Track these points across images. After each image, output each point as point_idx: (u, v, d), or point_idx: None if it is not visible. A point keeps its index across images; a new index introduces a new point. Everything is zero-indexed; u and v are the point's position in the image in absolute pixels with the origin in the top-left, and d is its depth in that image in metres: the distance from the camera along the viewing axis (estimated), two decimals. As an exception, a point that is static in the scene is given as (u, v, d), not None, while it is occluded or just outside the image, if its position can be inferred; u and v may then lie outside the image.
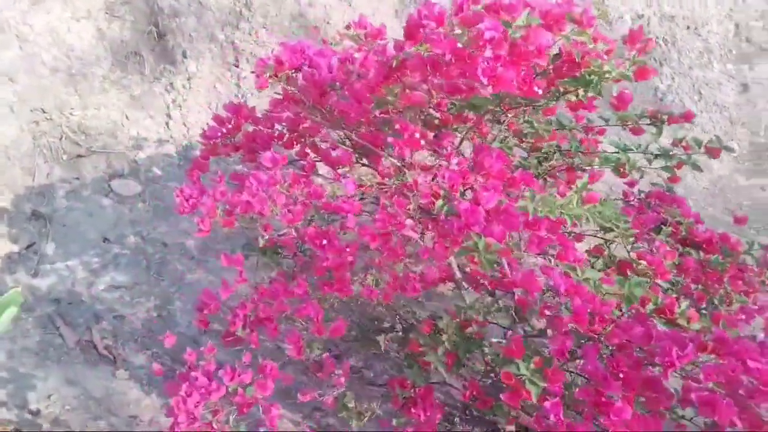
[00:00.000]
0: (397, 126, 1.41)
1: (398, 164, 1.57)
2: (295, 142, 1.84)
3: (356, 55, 1.55)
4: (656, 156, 1.73)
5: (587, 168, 1.81)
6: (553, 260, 1.37)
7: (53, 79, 3.07)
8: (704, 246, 1.66)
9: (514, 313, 1.41)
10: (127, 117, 3.14)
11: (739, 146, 3.61)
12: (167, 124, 3.18)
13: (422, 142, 1.40)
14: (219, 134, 1.80)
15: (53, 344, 2.40)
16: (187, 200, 1.63)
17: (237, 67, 3.33)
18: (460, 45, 1.11)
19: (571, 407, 1.23)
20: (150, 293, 2.66)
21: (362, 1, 3.58)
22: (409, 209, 1.31)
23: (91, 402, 2.20)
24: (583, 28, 1.33)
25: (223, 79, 3.31)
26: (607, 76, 1.35)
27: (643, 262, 1.44)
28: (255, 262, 2.27)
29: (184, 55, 3.29)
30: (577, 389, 1.18)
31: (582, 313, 1.09)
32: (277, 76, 1.47)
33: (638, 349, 1.22)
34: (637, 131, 1.70)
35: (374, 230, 1.29)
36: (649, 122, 1.66)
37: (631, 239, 1.51)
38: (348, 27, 2.01)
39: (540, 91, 1.26)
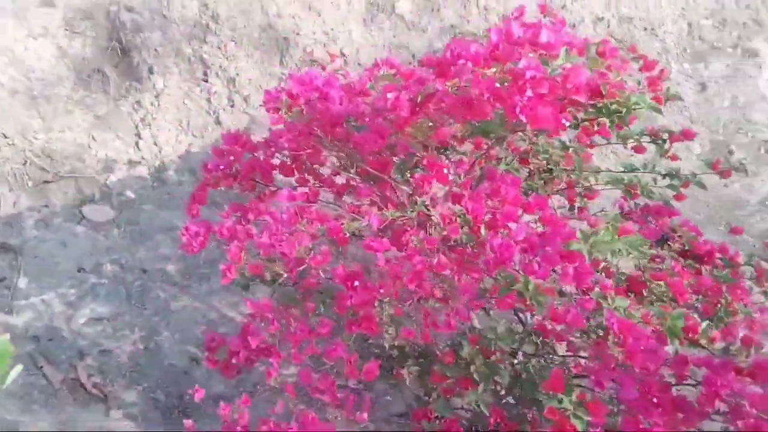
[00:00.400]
0: (424, 161, 1.39)
1: (411, 193, 1.55)
2: (295, 170, 1.80)
3: (370, 85, 1.53)
4: (665, 176, 1.77)
5: (592, 187, 1.85)
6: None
7: (12, 101, 2.91)
8: (705, 258, 1.72)
9: (539, 343, 1.42)
10: (94, 138, 3.01)
11: (701, 145, 3.75)
12: (137, 144, 3.06)
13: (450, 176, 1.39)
14: (221, 167, 1.73)
15: (37, 386, 2.28)
16: (194, 238, 1.56)
17: (206, 82, 3.23)
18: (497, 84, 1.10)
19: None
20: (134, 324, 2.56)
21: (330, 11, 3.52)
22: (438, 247, 1.30)
23: (86, 446, 2.11)
24: (604, 59, 1.35)
25: (192, 94, 3.21)
26: (635, 108, 1.37)
27: (661, 283, 1.47)
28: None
29: (151, 71, 3.17)
30: (620, 419, 1.20)
31: (637, 352, 1.11)
32: (290, 110, 1.42)
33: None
34: (639, 149, 1.74)
35: (409, 270, 1.27)
36: (649, 140, 1.71)
37: (646, 260, 1.54)
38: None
39: (567, 123, 1.26)
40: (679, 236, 1.72)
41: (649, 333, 1.15)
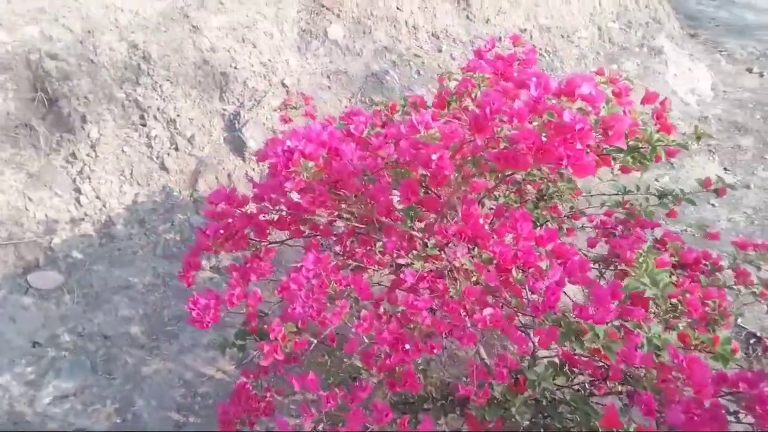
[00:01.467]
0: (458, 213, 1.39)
1: (424, 240, 1.55)
2: (290, 224, 1.75)
3: (367, 133, 1.51)
4: (660, 196, 1.87)
5: (585, 211, 1.93)
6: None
7: (-68, 168, 2.64)
8: (693, 265, 1.83)
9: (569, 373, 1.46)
10: (30, 199, 2.79)
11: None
12: (78, 200, 2.86)
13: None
14: (221, 232, 1.65)
15: (10, 483, 2.09)
16: (205, 312, 1.48)
17: (144, 126, 3.07)
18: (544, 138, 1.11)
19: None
20: (104, 396, 2.40)
21: (265, 42, 3.45)
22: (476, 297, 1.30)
23: None
24: (620, 98, 1.41)
25: (131, 140, 3.04)
26: (658, 144, 1.44)
27: (677, 300, 1.54)
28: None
29: (84, 120, 2.97)
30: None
31: (705, 385, 1.16)
32: (299, 166, 1.36)
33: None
34: (626, 170, 1.83)
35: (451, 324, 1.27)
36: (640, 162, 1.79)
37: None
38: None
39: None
40: (666, 248, 1.82)
41: (704, 363, 1.21)
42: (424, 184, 1.55)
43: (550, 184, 1.86)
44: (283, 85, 3.35)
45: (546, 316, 1.26)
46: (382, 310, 1.42)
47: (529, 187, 1.85)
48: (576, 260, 1.45)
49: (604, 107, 1.23)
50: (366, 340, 1.36)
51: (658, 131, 1.47)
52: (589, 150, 1.21)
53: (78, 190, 2.87)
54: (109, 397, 2.39)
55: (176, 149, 3.05)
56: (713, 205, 3.60)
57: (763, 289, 1.82)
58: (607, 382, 1.41)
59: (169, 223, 2.92)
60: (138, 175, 2.97)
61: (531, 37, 4.24)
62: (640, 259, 1.29)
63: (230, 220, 1.67)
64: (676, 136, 1.68)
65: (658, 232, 1.93)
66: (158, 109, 3.09)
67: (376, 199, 1.45)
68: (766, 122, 4.37)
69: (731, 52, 5.50)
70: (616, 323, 1.32)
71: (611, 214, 2.03)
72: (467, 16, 4.18)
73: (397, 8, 3.99)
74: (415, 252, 1.48)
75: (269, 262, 1.74)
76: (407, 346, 1.27)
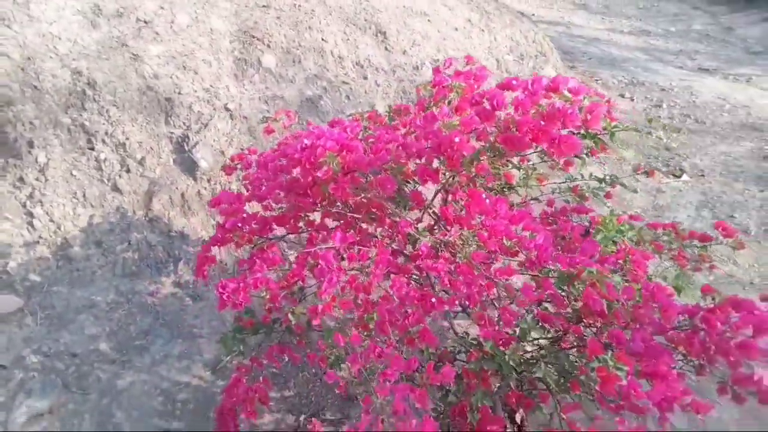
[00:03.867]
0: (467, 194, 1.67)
1: (415, 224, 1.82)
2: (290, 220, 1.95)
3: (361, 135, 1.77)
4: (601, 180, 2.26)
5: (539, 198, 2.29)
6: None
7: None
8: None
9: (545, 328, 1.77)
10: (-21, 224, 2.75)
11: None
12: (30, 223, 2.85)
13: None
14: (238, 225, 1.81)
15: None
16: (237, 292, 1.64)
17: (92, 150, 3.11)
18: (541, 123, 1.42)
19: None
20: (81, 412, 2.41)
21: (205, 69, 3.60)
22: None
23: None
24: (575, 95, 1.76)
25: (79, 165, 3.07)
26: (614, 130, 1.80)
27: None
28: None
29: (30, 145, 2.97)
30: (641, 363, 1.58)
31: (669, 305, 1.50)
32: (324, 158, 1.57)
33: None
34: (568, 164, 2.21)
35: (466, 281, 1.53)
36: (575, 156, 2.17)
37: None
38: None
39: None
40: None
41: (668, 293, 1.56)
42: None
43: (522, 171, 2.21)
44: (227, 109, 3.51)
45: (540, 270, 1.56)
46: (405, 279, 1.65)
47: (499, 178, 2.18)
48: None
49: (584, 98, 1.58)
50: (397, 301, 1.58)
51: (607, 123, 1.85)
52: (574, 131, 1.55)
53: (30, 214, 2.86)
54: (87, 412, 2.41)
55: (128, 171, 3.11)
56: (608, 206, 4.16)
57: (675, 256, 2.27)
58: (581, 325, 1.73)
59: (126, 242, 2.97)
60: (91, 197, 3.00)
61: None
62: (606, 220, 1.63)
63: (243, 215, 1.83)
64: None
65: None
66: (106, 133, 3.15)
67: (383, 187, 1.70)
68: (641, 137, 5.09)
69: (605, 81, 6.31)
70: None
71: (552, 204, 2.41)
72: (386, 48, 4.56)
73: (323, 40, 4.29)
74: (420, 229, 1.74)
75: (277, 254, 1.93)
76: (433, 300, 1.52)
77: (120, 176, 3.10)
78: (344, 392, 1.72)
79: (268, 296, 1.75)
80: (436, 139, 1.53)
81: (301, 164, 1.62)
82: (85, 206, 2.98)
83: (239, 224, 1.82)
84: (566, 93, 1.59)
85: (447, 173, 1.69)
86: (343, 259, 1.68)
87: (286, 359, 2.71)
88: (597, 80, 6.28)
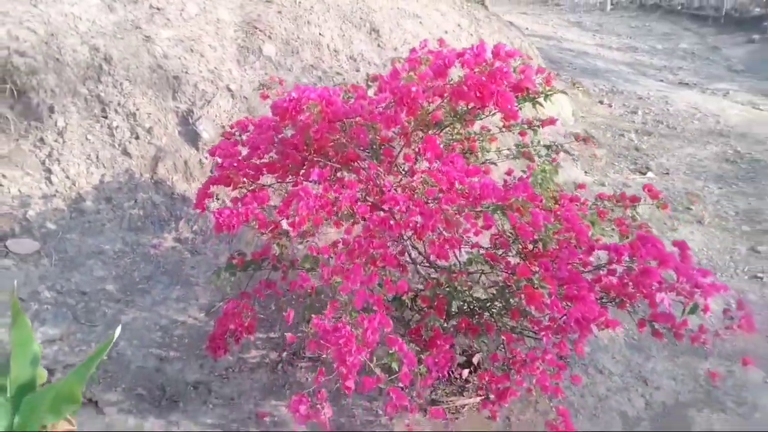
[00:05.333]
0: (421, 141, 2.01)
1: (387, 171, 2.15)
2: (280, 169, 2.28)
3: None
4: (547, 147, 2.61)
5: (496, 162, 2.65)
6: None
7: None
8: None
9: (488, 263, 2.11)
10: (4, 176, 3.08)
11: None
12: (49, 179, 3.18)
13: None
14: (233, 165, 2.14)
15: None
16: (232, 217, 1.95)
17: (105, 118, 3.45)
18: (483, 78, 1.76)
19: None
20: (88, 340, 2.72)
21: (210, 53, 3.95)
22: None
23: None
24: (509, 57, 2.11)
25: (93, 130, 3.40)
26: (549, 93, 2.14)
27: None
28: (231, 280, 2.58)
29: (51, 111, 3.31)
30: (564, 288, 1.91)
31: (580, 230, 1.83)
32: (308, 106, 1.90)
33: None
34: (523, 133, 2.55)
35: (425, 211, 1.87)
36: (528, 127, 2.52)
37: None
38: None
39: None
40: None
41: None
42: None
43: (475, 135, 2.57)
44: (229, 89, 3.86)
45: (483, 205, 1.90)
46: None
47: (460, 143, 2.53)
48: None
49: (518, 62, 1.93)
50: (361, 221, 1.91)
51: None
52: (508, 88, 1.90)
53: (48, 171, 3.19)
54: (93, 340, 2.72)
55: (137, 138, 3.45)
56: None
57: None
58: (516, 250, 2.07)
59: (133, 200, 3.30)
60: (103, 159, 3.33)
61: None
62: (540, 169, 1.98)
63: (238, 157, 2.16)
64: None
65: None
66: (119, 103, 3.49)
67: (357, 136, 2.04)
68: (615, 139, 5.45)
69: (586, 88, 6.69)
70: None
71: (511, 173, 2.75)
72: (379, 45, 4.93)
73: (320, 34, 4.65)
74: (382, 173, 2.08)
75: (266, 194, 2.26)
76: (391, 222, 1.85)
77: (129, 142, 3.43)
78: (314, 292, 2.02)
79: (256, 225, 2.07)
80: (397, 91, 1.87)
81: (288, 112, 1.95)
82: (97, 166, 3.31)
83: (234, 164, 2.15)
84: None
85: (410, 122, 2.03)
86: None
87: (273, 308, 3.06)
88: (579, 87, 6.66)
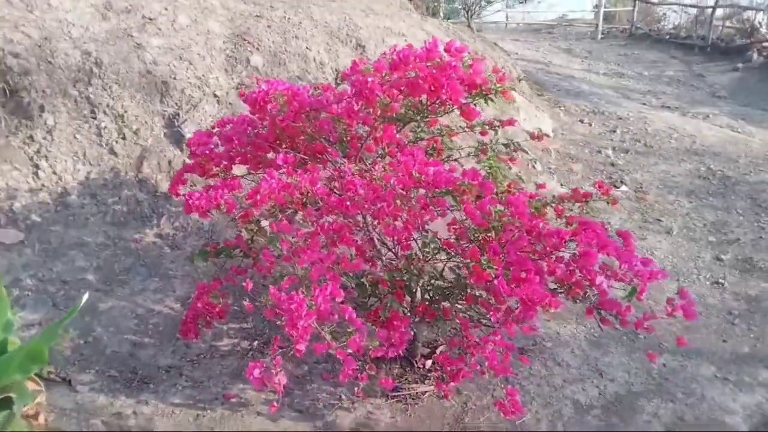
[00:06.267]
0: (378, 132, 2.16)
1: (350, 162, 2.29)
2: (251, 160, 2.42)
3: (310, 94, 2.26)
4: (505, 145, 2.75)
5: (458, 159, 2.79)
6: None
7: None
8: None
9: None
10: (-8, 170, 3.21)
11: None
12: (36, 173, 3.31)
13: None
14: (206, 152, 2.28)
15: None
16: (202, 200, 2.08)
17: (94, 119, 3.60)
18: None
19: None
20: (66, 326, 2.81)
21: (199, 62, 4.12)
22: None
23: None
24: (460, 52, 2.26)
25: (82, 130, 3.55)
26: (499, 89, 2.29)
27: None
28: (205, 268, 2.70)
29: (41, 110, 3.46)
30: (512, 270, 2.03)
31: (522, 211, 1.96)
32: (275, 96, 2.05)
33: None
34: (484, 133, 2.70)
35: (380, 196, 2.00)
36: (489, 128, 2.67)
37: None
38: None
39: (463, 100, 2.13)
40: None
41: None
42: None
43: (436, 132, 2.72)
44: (215, 95, 4.02)
45: (436, 192, 2.04)
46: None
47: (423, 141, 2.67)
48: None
49: (468, 58, 2.09)
50: (320, 203, 2.05)
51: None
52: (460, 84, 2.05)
53: (36, 166, 3.33)
54: (71, 326, 2.82)
55: (123, 138, 3.60)
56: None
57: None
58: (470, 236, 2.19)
59: (117, 197, 3.43)
60: (90, 157, 3.47)
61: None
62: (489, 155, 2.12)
63: (211, 147, 2.30)
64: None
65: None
66: (108, 105, 3.64)
67: (321, 128, 2.18)
68: (592, 155, 5.62)
69: (568, 108, 6.89)
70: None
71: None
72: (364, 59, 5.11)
73: (307, 48, 4.83)
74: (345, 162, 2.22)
75: (238, 182, 2.39)
76: (348, 203, 1.98)
77: (117, 142, 3.58)
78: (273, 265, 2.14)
79: (225, 209, 2.20)
80: (357, 83, 2.02)
81: (257, 102, 2.10)
82: (84, 164, 3.45)
83: (206, 152, 2.29)
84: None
85: (372, 114, 2.18)
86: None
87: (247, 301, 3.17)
88: (561, 107, 6.86)
